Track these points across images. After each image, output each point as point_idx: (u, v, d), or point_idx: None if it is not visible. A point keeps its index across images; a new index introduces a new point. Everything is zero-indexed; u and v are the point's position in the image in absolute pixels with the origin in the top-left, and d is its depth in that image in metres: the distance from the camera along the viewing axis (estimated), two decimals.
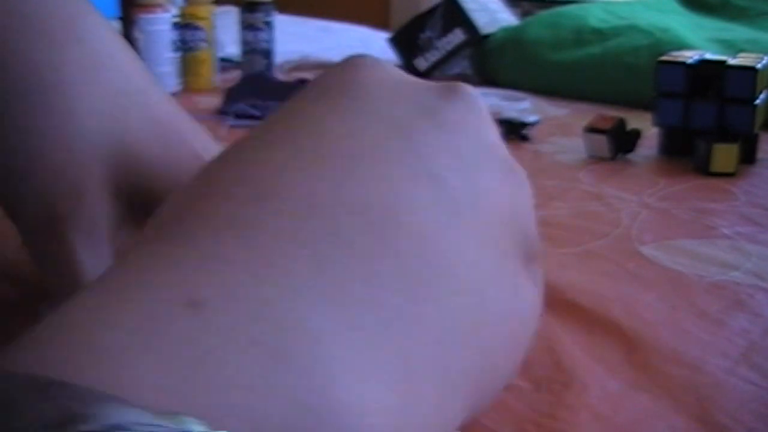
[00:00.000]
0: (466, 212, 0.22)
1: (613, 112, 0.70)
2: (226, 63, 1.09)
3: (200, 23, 1.00)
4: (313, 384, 0.16)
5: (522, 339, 0.24)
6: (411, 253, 0.19)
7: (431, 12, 1.04)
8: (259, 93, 0.82)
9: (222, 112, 0.79)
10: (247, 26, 1.01)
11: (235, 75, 1.03)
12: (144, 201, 0.32)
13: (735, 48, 0.84)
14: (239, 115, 0.78)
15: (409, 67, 1.05)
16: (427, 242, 0.20)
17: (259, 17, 1.01)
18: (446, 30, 1.03)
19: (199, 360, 0.15)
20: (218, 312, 0.16)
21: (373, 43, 1.33)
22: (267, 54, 1.02)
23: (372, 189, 0.20)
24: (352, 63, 0.25)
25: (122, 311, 0.16)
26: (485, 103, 0.25)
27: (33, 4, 0.31)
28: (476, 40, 1.03)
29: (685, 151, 0.65)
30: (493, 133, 0.25)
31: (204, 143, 0.34)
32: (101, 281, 0.17)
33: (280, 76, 1.02)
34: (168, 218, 0.20)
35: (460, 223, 0.21)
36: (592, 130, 0.66)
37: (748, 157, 0.64)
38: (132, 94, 0.33)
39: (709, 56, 0.67)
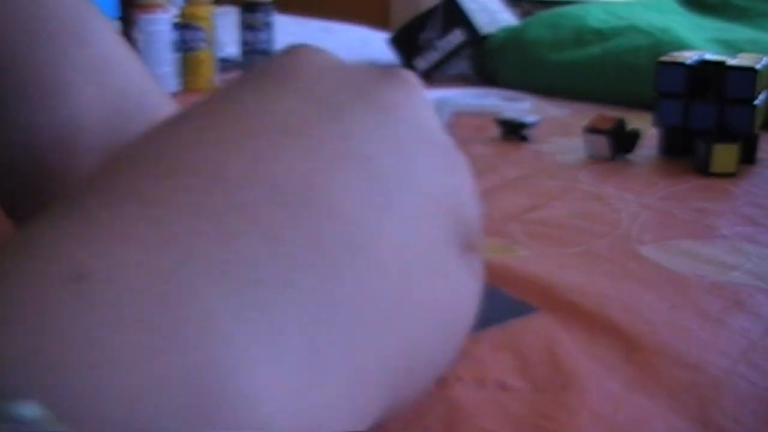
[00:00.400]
0: (395, 194, 0.21)
1: (613, 113, 0.70)
2: (226, 63, 1.09)
3: (200, 23, 1.00)
4: (205, 367, 0.15)
5: (454, 330, 0.24)
6: (328, 232, 0.19)
7: (431, 12, 1.04)
8: None
9: None
10: (246, 26, 1.01)
11: (234, 75, 1.03)
12: None
13: (735, 48, 0.84)
14: None
15: (408, 67, 1.05)
16: (347, 222, 0.19)
17: (258, 17, 1.01)
18: (446, 30, 1.03)
19: (77, 336, 0.14)
20: (103, 286, 0.15)
21: (373, 43, 1.33)
22: (267, 54, 1.02)
23: (291, 166, 0.19)
24: (291, 50, 0.24)
25: (7, 285, 0.15)
26: (423, 88, 0.25)
27: (35, 6, 0.31)
28: (476, 40, 1.03)
29: (685, 152, 0.65)
30: (431, 118, 0.24)
31: None
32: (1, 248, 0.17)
33: None
34: (73, 193, 0.19)
35: (388, 205, 0.21)
36: (592, 130, 0.66)
37: (748, 157, 0.64)
38: (132, 95, 0.33)
39: (708, 56, 0.67)
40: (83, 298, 0.15)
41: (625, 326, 0.35)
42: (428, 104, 0.25)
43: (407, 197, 0.21)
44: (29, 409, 0.12)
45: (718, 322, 0.36)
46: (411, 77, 0.25)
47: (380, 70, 0.24)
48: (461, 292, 0.24)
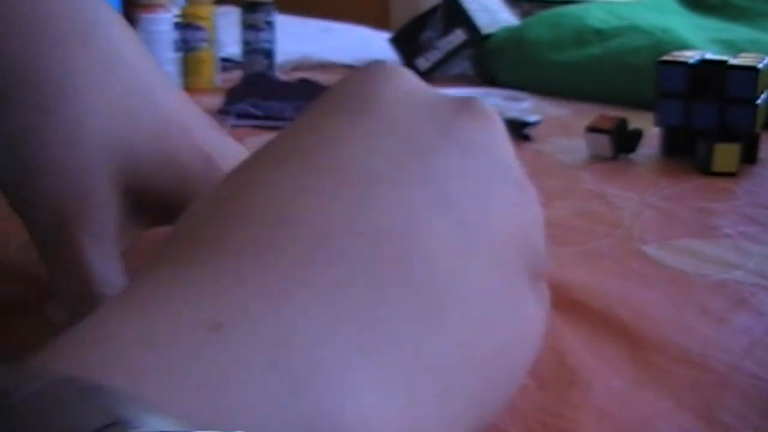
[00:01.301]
0: (478, 238, 0.21)
1: (614, 112, 0.70)
2: (227, 63, 1.09)
3: (201, 23, 1.00)
4: (324, 410, 0.16)
5: (525, 360, 0.24)
6: (422, 282, 0.19)
7: (432, 12, 1.04)
8: (260, 93, 0.82)
9: (223, 112, 0.79)
10: (248, 26, 1.01)
11: (236, 75, 1.03)
12: (151, 201, 0.32)
13: (736, 48, 0.84)
14: (240, 115, 0.78)
15: (409, 67, 1.05)
16: (438, 270, 0.20)
17: (260, 17, 1.01)
18: (447, 30, 1.03)
19: (220, 381, 0.15)
20: (238, 335, 0.16)
21: (373, 43, 1.33)
22: (268, 54, 1.02)
23: (387, 214, 0.20)
24: (371, 72, 0.24)
25: (145, 328, 0.16)
26: (499, 118, 0.25)
27: (43, 6, 0.31)
28: (477, 40, 1.03)
29: (686, 151, 0.65)
30: (509, 153, 0.25)
31: (214, 141, 0.34)
32: (122, 298, 0.17)
33: (281, 76, 1.02)
34: (183, 240, 0.20)
35: (471, 250, 0.21)
36: (593, 130, 0.66)
37: (749, 156, 0.64)
38: (141, 93, 0.33)
39: (709, 56, 0.67)
40: (223, 346, 0.16)
41: (629, 324, 0.36)
42: (504, 136, 0.25)
43: (487, 239, 0.22)
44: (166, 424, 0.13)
45: (722, 320, 0.37)
46: (489, 109, 0.25)
47: (460, 101, 0.24)
48: (533, 324, 0.24)
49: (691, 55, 0.67)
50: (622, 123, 0.66)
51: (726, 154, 0.61)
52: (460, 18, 1.03)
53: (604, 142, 0.65)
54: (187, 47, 1.00)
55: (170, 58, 0.96)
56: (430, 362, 0.19)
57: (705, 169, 0.61)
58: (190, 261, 0.19)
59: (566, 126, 0.79)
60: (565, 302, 0.38)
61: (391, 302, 0.19)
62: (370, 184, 0.21)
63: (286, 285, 0.17)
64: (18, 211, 0.32)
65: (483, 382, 0.21)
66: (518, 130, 0.73)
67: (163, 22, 0.95)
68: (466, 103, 0.24)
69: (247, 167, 0.22)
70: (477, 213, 0.22)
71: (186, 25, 0.99)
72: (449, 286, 0.20)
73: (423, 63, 1.04)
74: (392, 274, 0.19)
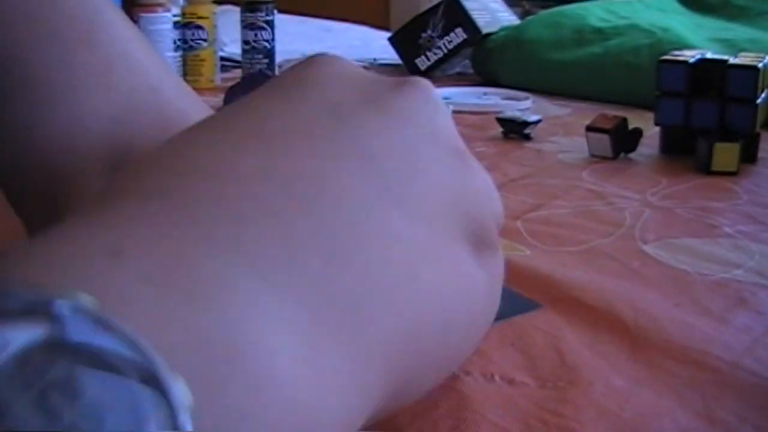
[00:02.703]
0: (398, 189, 0.22)
1: (615, 112, 0.70)
2: (227, 62, 1.09)
3: (201, 22, 1.00)
4: (227, 325, 0.17)
5: (466, 323, 0.24)
6: (332, 220, 0.20)
7: (432, 11, 1.04)
8: None
9: None
10: (247, 25, 1.01)
11: (235, 74, 1.03)
12: None
13: (736, 47, 0.84)
14: None
15: (410, 66, 1.05)
16: (350, 212, 0.21)
17: (259, 16, 1.01)
18: (447, 29, 1.03)
19: (112, 298, 0.16)
20: (135, 259, 0.17)
21: (373, 42, 1.33)
22: (268, 53, 1.02)
23: (300, 162, 0.21)
24: (311, 61, 0.26)
25: (51, 258, 0.17)
26: (438, 94, 0.26)
27: (46, 5, 0.31)
28: (477, 39, 1.03)
29: (686, 151, 0.65)
30: (445, 122, 0.26)
31: None
32: (40, 237, 0.19)
33: None
34: (110, 187, 0.22)
35: (390, 199, 0.22)
36: (594, 129, 0.66)
37: (749, 156, 0.64)
38: (143, 92, 0.32)
39: (710, 55, 0.67)
40: (118, 268, 0.17)
41: (629, 323, 0.36)
42: (444, 112, 0.26)
43: (409, 192, 0.23)
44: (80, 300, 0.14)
45: (722, 319, 0.37)
46: (428, 86, 0.26)
47: (397, 79, 0.26)
48: (473, 287, 0.24)
49: (691, 55, 0.67)
50: (623, 122, 0.66)
51: (726, 153, 0.61)
52: (461, 17, 1.03)
53: (604, 141, 0.65)
54: (186, 46, 1.00)
55: (170, 57, 0.96)
56: (336, 295, 0.20)
57: (705, 168, 0.61)
58: (103, 203, 0.20)
59: (566, 125, 0.79)
60: (565, 300, 0.38)
61: (296, 235, 0.19)
62: (282, 139, 0.22)
63: (190, 220, 0.19)
64: (14, 206, 0.32)
65: (410, 326, 0.22)
66: (519, 129, 0.73)
67: (163, 21, 0.95)
68: (400, 79, 0.26)
69: (181, 133, 0.24)
70: (397, 168, 0.23)
71: (186, 24, 0.99)
72: (360, 226, 0.21)
73: (423, 62, 1.04)
74: (299, 212, 0.20)
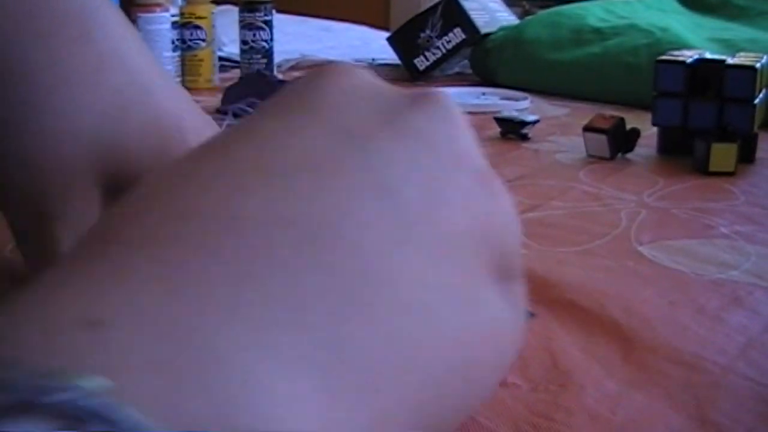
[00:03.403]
0: (420, 225, 0.20)
1: (613, 112, 0.70)
2: (226, 62, 1.09)
3: (200, 22, 1.00)
4: (226, 409, 0.15)
5: (492, 368, 0.23)
6: (345, 270, 0.18)
7: (431, 11, 1.04)
8: (258, 92, 0.82)
9: (221, 112, 0.79)
10: (246, 25, 1.01)
11: (234, 74, 1.03)
12: None
13: (734, 47, 0.84)
14: (238, 115, 0.78)
15: (409, 66, 1.05)
16: (365, 258, 0.19)
17: (258, 16, 1.01)
18: (446, 29, 1.03)
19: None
20: (116, 331, 0.15)
21: (373, 42, 1.33)
22: (266, 53, 1.02)
23: (309, 203, 0.19)
24: (323, 72, 0.23)
25: (21, 330, 0.15)
26: (460, 111, 0.24)
27: (40, 3, 0.31)
28: (476, 39, 1.03)
29: (684, 151, 0.65)
30: (467, 142, 0.23)
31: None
32: (12, 299, 0.16)
33: (280, 75, 1.02)
34: (90, 235, 0.19)
35: (411, 237, 0.20)
36: (591, 129, 0.66)
37: (747, 156, 0.64)
38: (135, 91, 0.32)
39: (708, 56, 0.67)
40: (97, 343, 0.15)
41: (623, 325, 0.35)
42: (465, 128, 0.24)
43: (431, 227, 0.21)
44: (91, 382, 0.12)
45: (717, 319, 0.36)
46: (448, 101, 0.23)
47: (415, 93, 0.23)
48: (499, 327, 0.22)
49: (689, 55, 0.66)
50: (620, 122, 0.66)
51: (724, 153, 0.61)
52: (459, 17, 1.03)
53: (601, 141, 0.65)
54: (185, 46, 1.00)
55: (168, 57, 0.96)
56: (353, 355, 0.18)
57: (703, 168, 0.61)
58: (83, 256, 0.18)
59: (564, 125, 0.79)
60: (560, 302, 0.38)
61: (304, 293, 0.17)
62: (292, 175, 0.19)
63: (181, 278, 0.16)
64: (3, 208, 0.32)
65: (431, 382, 0.20)
66: (517, 129, 0.73)
67: (162, 21, 0.95)
68: (417, 94, 0.23)
69: (172, 165, 0.21)
70: (419, 200, 0.20)
71: (184, 24, 0.99)
72: (378, 275, 0.19)
73: (422, 62, 1.04)
74: (308, 263, 0.18)
